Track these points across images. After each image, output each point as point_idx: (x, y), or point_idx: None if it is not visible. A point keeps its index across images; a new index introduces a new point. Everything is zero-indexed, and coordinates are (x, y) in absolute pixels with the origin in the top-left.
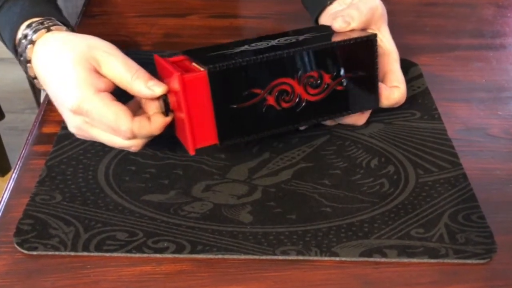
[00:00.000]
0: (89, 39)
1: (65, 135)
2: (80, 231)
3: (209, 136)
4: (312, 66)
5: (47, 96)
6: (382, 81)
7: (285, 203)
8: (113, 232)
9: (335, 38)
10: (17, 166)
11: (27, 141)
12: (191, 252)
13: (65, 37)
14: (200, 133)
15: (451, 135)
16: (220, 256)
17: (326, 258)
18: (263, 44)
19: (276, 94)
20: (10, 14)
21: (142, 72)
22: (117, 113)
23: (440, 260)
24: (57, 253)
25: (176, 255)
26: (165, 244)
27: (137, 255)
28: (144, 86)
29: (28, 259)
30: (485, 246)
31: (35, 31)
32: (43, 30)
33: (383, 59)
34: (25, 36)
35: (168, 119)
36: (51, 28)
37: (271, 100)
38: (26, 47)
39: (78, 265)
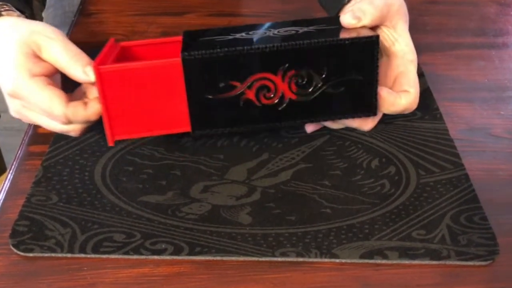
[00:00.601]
0: (34, 24)
1: (62, 135)
2: (76, 233)
3: (135, 128)
4: (299, 63)
5: None
6: (393, 84)
7: (284, 204)
8: (110, 234)
9: (333, 36)
10: (13, 167)
11: (23, 141)
12: (189, 254)
13: (12, 22)
14: (122, 125)
15: (453, 135)
16: (218, 258)
17: (326, 260)
18: (259, 33)
19: (256, 88)
20: None
21: (81, 57)
22: (51, 97)
23: (442, 262)
24: (53, 254)
25: (174, 257)
26: (163, 246)
27: (135, 256)
28: (81, 70)
29: (24, 261)
30: (487, 248)
31: None
32: None
33: (395, 60)
34: None
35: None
36: (2, 13)
37: (250, 95)
38: None
39: (75, 267)
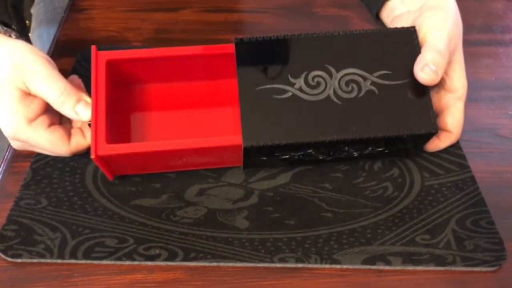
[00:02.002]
0: (17, 53)
1: None
2: (67, 238)
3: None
4: (356, 147)
5: None
6: (439, 122)
7: (283, 208)
8: (102, 239)
9: (395, 125)
10: (1, 169)
11: None
12: (184, 260)
13: None
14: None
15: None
16: (214, 264)
17: (326, 266)
18: (320, 84)
19: (309, 155)
20: None
21: (68, 94)
22: (52, 141)
23: (447, 268)
24: (42, 260)
25: (168, 263)
26: (157, 251)
27: (127, 262)
28: (72, 112)
29: (12, 267)
30: (494, 253)
31: None
32: None
33: (445, 94)
34: None
35: None
36: None
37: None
38: None
39: (65, 273)
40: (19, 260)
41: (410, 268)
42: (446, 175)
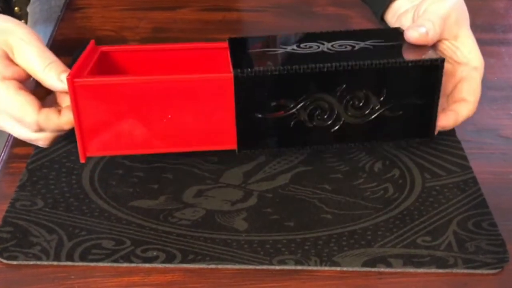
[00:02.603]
0: (7, 22)
1: None
2: (63, 239)
3: (109, 146)
4: (358, 85)
5: None
6: (452, 90)
7: (282, 209)
8: (99, 241)
9: (394, 56)
10: None
11: (7, 143)
12: (182, 262)
13: None
14: (95, 141)
15: (460, 137)
16: (213, 266)
17: (326, 268)
18: (313, 47)
19: (310, 109)
20: None
21: (56, 64)
22: (22, 103)
23: (449, 270)
24: (38, 262)
25: (166, 265)
26: (154, 253)
27: (125, 264)
28: (56, 78)
29: (7, 269)
30: (496, 255)
31: None
32: None
33: (459, 67)
34: None
35: None
36: None
37: (302, 115)
38: None
39: (61, 276)
40: (14, 262)
41: (411, 270)
42: (447, 176)
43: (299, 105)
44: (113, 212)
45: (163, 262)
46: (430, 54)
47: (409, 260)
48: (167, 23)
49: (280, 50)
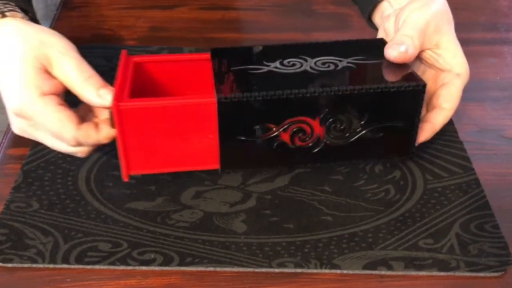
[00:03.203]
0: (44, 33)
1: None
2: (59, 242)
3: (154, 164)
4: (340, 110)
5: None
6: (432, 96)
7: (281, 211)
8: (95, 243)
9: (376, 76)
10: None
11: (2, 144)
12: (179, 265)
13: (19, 26)
14: (139, 160)
15: (462, 138)
16: (211, 269)
17: (326, 271)
18: (296, 65)
19: (292, 131)
20: None
21: (94, 78)
22: (61, 120)
23: (451, 273)
24: (34, 265)
25: (164, 268)
26: (152, 256)
27: (121, 267)
28: (95, 93)
29: (2, 272)
30: (499, 258)
31: None
32: None
33: (441, 73)
34: None
35: (114, 131)
36: (6, 14)
37: (284, 137)
38: None
39: (57, 278)
40: (9, 265)
41: (413, 273)
42: (449, 177)
43: (282, 128)
44: (109, 214)
45: (160, 265)
46: (412, 78)
47: (411, 263)
48: (165, 22)
49: (263, 69)
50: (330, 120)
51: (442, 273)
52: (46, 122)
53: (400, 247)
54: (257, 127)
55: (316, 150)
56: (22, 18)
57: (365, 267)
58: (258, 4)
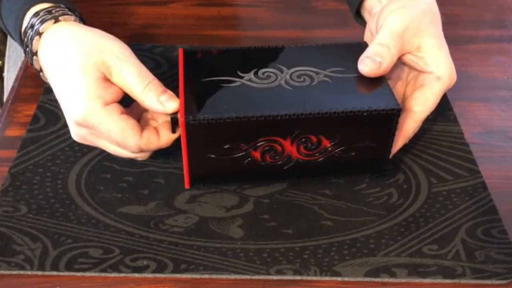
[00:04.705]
0: (101, 38)
1: (31, 139)
2: (48, 248)
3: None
4: (312, 131)
5: (10, 95)
6: (409, 96)
7: (280, 216)
8: (86, 249)
9: (351, 96)
10: None
11: None
12: (174, 272)
13: (75, 31)
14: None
15: (468, 139)
16: (206, 276)
17: (326, 278)
18: (271, 77)
19: (263, 150)
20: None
21: (155, 84)
22: (124, 129)
23: (456, 281)
24: (22, 272)
25: (157, 275)
26: (145, 262)
27: (113, 274)
28: (156, 100)
29: None
30: (507, 265)
31: (41, 21)
32: (51, 21)
33: (422, 75)
34: (32, 26)
35: (175, 136)
36: (59, 18)
37: (255, 155)
38: (32, 39)
39: (46, 286)
40: None
41: (417, 280)
42: (455, 180)
43: (252, 147)
44: (101, 219)
45: (154, 271)
46: (386, 99)
47: (415, 270)
48: (158, 19)
49: (236, 82)
50: (301, 139)
51: (447, 281)
52: (110, 132)
53: (403, 254)
54: (227, 146)
55: (287, 167)
56: (75, 20)
57: (367, 275)
58: (254, 0)
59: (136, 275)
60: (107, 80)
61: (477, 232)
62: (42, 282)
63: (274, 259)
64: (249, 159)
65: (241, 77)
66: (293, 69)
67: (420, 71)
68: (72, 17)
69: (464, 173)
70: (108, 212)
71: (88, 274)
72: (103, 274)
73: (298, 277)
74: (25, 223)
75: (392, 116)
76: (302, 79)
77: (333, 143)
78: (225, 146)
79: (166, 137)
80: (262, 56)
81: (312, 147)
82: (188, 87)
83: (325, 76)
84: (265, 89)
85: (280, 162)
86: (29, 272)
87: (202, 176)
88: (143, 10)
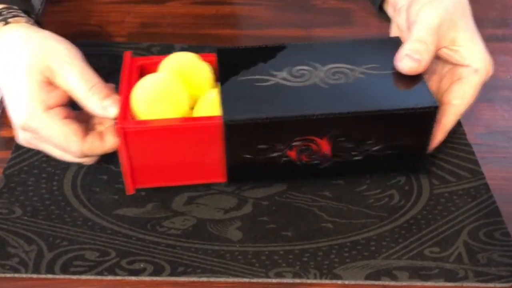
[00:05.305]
0: (48, 41)
1: None
2: (43, 250)
3: (159, 178)
4: (348, 129)
5: None
6: (446, 91)
7: (279, 218)
8: (82, 251)
9: (387, 100)
10: None
11: None
12: (171, 275)
13: (23, 34)
14: (144, 175)
15: (471, 140)
16: (204, 279)
17: (327, 281)
18: (305, 75)
19: (299, 149)
20: None
21: (99, 88)
22: (66, 134)
23: (459, 284)
24: (16, 275)
25: (154, 278)
26: (142, 265)
27: (109, 277)
28: (99, 105)
29: None
30: (510, 268)
31: None
32: (1, 23)
33: (458, 68)
34: None
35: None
36: (9, 20)
37: (291, 155)
38: None
39: None
40: None
41: (418, 284)
42: (457, 182)
43: (288, 147)
44: (97, 221)
45: (150, 274)
46: (424, 96)
47: (416, 273)
48: (155, 17)
49: (271, 80)
50: (338, 139)
51: (449, 284)
52: (52, 137)
53: (404, 256)
54: (263, 146)
55: (323, 167)
56: (26, 22)
57: (367, 277)
58: None
59: (133, 278)
60: (51, 83)
61: (479, 234)
62: (37, 285)
63: (273, 262)
64: (285, 158)
65: (275, 76)
66: (327, 66)
67: (455, 65)
68: (24, 19)
69: (467, 174)
70: (104, 214)
71: (84, 277)
72: (99, 277)
73: (297, 280)
74: (20, 225)
75: (430, 113)
76: (337, 77)
77: (370, 141)
78: (261, 146)
79: (110, 142)
80: (294, 53)
81: (349, 146)
82: (225, 86)
83: (360, 73)
84: (301, 88)
85: (316, 161)
86: (24, 275)
87: (239, 174)
88: (140, 8)
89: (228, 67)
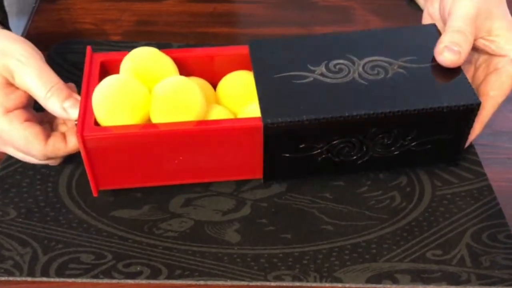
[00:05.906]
0: (5, 42)
1: None
2: (38, 253)
3: (120, 180)
4: (389, 127)
5: None
6: (482, 81)
7: (278, 220)
8: (77, 254)
9: (427, 97)
10: None
11: None
12: (168, 278)
13: None
14: (108, 177)
15: (474, 141)
16: (202, 282)
17: (327, 285)
18: (343, 70)
19: (338, 148)
20: None
21: (58, 89)
22: (27, 137)
23: (461, 287)
24: (11, 278)
25: (151, 281)
26: (138, 268)
27: (105, 281)
28: (59, 106)
29: None
30: None
31: None
32: None
33: (494, 58)
34: None
35: None
36: None
37: (330, 153)
38: None
39: None
40: None
41: (420, 287)
42: (459, 183)
43: (328, 145)
44: (92, 223)
45: (147, 278)
46: (466, 93)
47: (418, 276)
48: (152, 15)
49: (308, 77)
50: (378, 136)
51: (451, 287)
52: (12, 140)
53: (406, 259)
54: (303, 145)
55: (361, 162)
56: None
57: (368, 281)
58: None
59: (129, 281)
60: (10, 85)
61: (482, 236)
62: None
63: (272, 265)
64: (323, 156)
65: (312, 71)
66: (365, 60)
67: (492, 55)
68: None
69: (469, 175)
70: (100, 216)
71: (79, 280)
72: (95, 281)
73: (297, 283)
74: (14, 228)
75: (471, 110)
76: (376, 71)
77: (409, 137)
78: (301, 146)
79: (73, 143)
80: (329, 45)
81: (388, 142)
82: (261, 85)
83: (399, 67)
84: (340, 85)
85: (354, 157)
86: (18, 278)
87: (277, 172)
88: (137, 6)
89: (263, 62)
